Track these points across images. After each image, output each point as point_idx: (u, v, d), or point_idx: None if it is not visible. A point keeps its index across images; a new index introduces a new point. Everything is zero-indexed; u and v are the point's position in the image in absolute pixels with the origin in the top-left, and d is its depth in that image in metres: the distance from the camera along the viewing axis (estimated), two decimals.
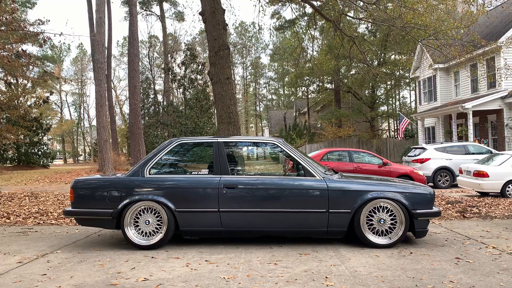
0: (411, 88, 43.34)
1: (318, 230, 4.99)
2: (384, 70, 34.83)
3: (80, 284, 3.64)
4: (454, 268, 4.04)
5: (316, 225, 4.96)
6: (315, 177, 5.02)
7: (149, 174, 5.13)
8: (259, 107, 66.52)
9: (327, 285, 3.56)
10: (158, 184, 5.04)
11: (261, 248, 4.93)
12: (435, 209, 5.03)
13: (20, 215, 7.90)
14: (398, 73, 37.01)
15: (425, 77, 25.52)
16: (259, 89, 65.33)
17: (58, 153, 61.29)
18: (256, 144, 5.79)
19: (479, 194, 11.65)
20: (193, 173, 5.27)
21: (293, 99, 50.47)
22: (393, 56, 36.75)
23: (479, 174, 11.48)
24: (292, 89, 48.21)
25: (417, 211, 4.91)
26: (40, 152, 33.69)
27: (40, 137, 33.67)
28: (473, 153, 15.19)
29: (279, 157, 6.14)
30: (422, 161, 15.49)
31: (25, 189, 14.54)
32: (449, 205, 8.47)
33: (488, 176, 11.27)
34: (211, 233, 5.08)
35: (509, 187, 11.04)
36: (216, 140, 5.27)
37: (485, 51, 18.45)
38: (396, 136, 36.00)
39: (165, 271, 4.04)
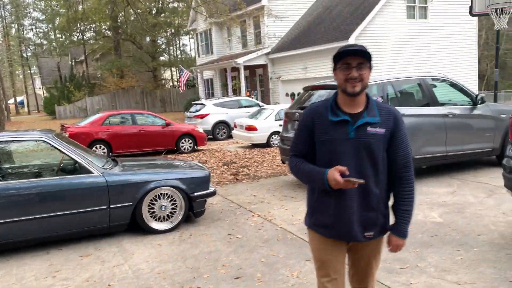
0: (190, 36, 44.46)
1: (100, 227, 4.89)
2: (163, 19, 34.51)
3: None
4: (227, 247, 4.58)
5: (97, 223, 4.83)
6: (93, 173, 4.81)
7: None
8: (26, 53, 57.89)
9: None
10: None
11: (36, 256, 4.55)
12: (211, 189, 5.50)
13: None
14: (177, 22, 37.22)
15: (202, 30, 26.49)
16: (24, 32, 56.52)
17: None
18: (20, 141, 5.09)
19: (250, 145, 13.20)
20: None
21: (67, 45, 45.59)
22: (171, 4, 36.56)
23: (250, 128, 13.00)
24: (66, 34, 43.39)
25: (195, 193, 5.28)
26: None
27: None
28: (245, 106, 16.90)
29: (53, 153, 5.58)
30: (202, 116, 16.46)
31: None
32: (225, 166, 9.38)
33: (256, 130, 12.87)
34: None
35: (272, 138, 12.89)
36: None
37: (253, 9, 20.17)
38: (178, 87, 36.89)
39: None
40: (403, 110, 6.47)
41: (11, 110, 50.64)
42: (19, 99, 60.31)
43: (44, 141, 4.80)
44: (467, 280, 3.52)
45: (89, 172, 4.81)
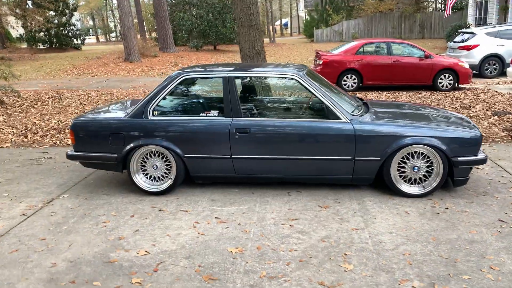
0: None
1: (342, 178, 4.47)
2: None
3: (76, 259, 3.40)
4: (495, 240, 3.50)
5: (340, 173, 4.41)
6: (341, 119, 4.31)
7: (153, 115, 4.56)
8: None
9: (345, 270, 3.16)
10: (163, 127, 4.51)
11: (278, 196, 4.51)
12: (480, 155, 4.32)
13: (38, 132, 7.74)
14: None
15: None
16: None
17: (90, 30, 60.63)
18: (271, 77, 4.98)
19: None
20: (201, 115, 4.67)
21: None
22: None
23: None
24: None
25: (458, 158, 4.23)
26: (70, 34, 33.30)
27: (68, 17, 32.85)
28: None
29: (301, 90, 5.36)
30: (469, 48, 14.06)
31: (52, 85, 14.47)
32: (496, 117, 7.58)
33: None
34: (223, 178, 4.68)
35: None
36: (227, 75, 4.53)
37: None
38: (442, 10, 32.69)
39: (170, 236, 3.73)
40: None
41: (277, 31, 55.61)
42: (284, 21, 65.50)
43: (294, 79, 4.51)
44: None
45: (337, 117, 4.33)
